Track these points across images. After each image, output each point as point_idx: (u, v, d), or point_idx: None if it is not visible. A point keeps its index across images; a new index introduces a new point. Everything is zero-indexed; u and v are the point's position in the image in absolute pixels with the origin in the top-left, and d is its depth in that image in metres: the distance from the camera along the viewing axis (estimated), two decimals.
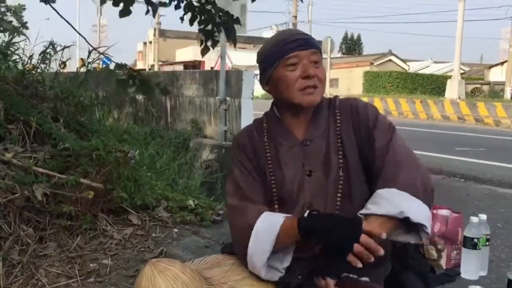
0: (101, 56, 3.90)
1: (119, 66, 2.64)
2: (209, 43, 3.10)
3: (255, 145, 1.44)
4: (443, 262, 2.18)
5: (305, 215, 1.24)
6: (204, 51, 3.12)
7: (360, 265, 1.14)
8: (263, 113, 1.51)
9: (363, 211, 1.25)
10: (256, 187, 1.40)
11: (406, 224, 1.22)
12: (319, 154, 1.38)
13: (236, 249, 1.40)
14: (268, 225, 1.28)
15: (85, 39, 3.44)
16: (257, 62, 1.47)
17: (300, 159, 1.39)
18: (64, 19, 3.06)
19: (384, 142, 1.34)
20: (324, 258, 1.25)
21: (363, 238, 1.15)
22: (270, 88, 1.43)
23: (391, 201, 1.21)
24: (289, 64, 1.36)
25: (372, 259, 1.13)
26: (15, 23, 3.33)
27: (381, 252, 1.14)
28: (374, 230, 1.16)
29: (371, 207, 1.23)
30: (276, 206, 1.38)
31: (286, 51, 1.36)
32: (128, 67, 2.68)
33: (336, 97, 1.49)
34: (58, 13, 2.94)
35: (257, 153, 1.43)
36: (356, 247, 1.14)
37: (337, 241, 1.18)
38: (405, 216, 1.19)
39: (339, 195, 1.34)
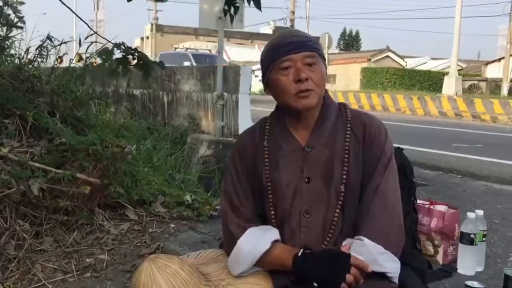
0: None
1: (116, 45, 2.69)
2: (232, 11, 3.11)
3: (255, 148, 1.44)
4: (440, 258, 2.19)
5: (299, 254, 1.27)
6: (232, 19, 3.18)
7: None
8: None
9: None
10: (246, 197, 1.41)
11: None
12: (320, 163, 1.36)
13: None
14: (251, 248, 1.32)
15: (89, 26, 3.46)
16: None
17: (298, 164, 1.37)
18: (70, 9, 3.08)
19: (377, 183, 1.35)
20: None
21: (353, 271, 1.21)
22: (270, 91, 1.42)
23: (377, 260, 1.26)
24: (282, 68, 1.34)
25: None
26: (12, 16, 3.31)
27: None
28: (361, 264, 1.23)
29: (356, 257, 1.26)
30: (272, 211, 1.38)
31: (278, 55, 1.35)
32: (125, 45, 2.73)
33: (346, 106, 1.46)
34: (63, 2, 2.94)
35: (256, 156, 1.43)
36: (349, 277, 1.20)
37: (330, 277, 1.23)
38: (388, 275, 1.27)
39: (338, 207, 1.34)
